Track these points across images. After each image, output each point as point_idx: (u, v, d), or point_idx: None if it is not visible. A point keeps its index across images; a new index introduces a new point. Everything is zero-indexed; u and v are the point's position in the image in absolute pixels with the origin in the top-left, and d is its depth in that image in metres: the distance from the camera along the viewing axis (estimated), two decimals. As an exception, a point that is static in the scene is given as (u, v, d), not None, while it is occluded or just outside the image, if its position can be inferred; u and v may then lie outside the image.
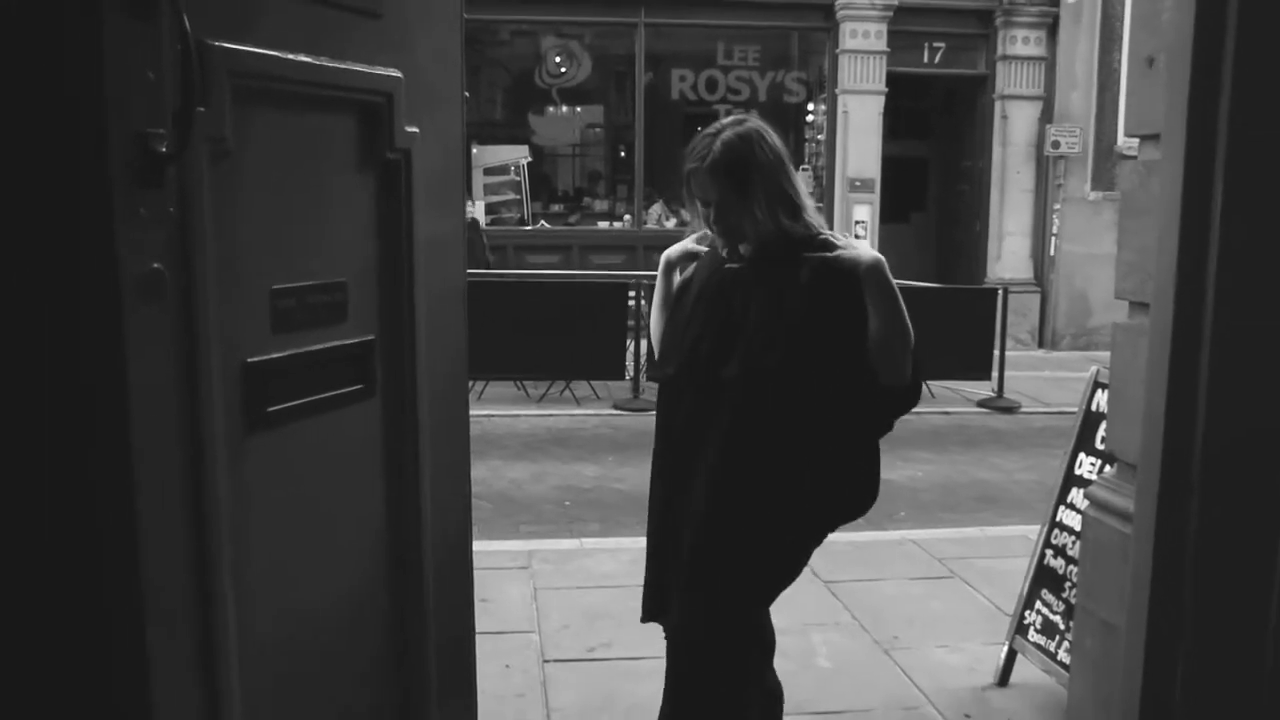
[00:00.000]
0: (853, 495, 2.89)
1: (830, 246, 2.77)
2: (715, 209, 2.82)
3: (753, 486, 2.78)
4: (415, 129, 2.32)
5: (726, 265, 2.90)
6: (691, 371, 2.87)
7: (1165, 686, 2.38)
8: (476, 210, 13.12)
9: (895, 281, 2.76)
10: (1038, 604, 4.20)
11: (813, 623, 4.77)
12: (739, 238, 2.85)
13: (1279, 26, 2.14)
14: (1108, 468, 3.78)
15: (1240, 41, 2.14)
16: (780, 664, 3.10)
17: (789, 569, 2.90)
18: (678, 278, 3.15)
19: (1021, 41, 15.15)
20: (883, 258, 2.76)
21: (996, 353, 10.84)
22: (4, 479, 1.68)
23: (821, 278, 2.75)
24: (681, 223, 14.83)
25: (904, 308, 2.76)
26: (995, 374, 10.86)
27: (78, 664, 1.74)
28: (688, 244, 3.10)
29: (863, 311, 2.73)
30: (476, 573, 2.82)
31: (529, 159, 15.27)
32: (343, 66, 2.11)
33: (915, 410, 2.92)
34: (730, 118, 2.90)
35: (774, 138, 2.84)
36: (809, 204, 2.87)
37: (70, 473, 1.69)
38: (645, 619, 3.08)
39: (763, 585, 2.90)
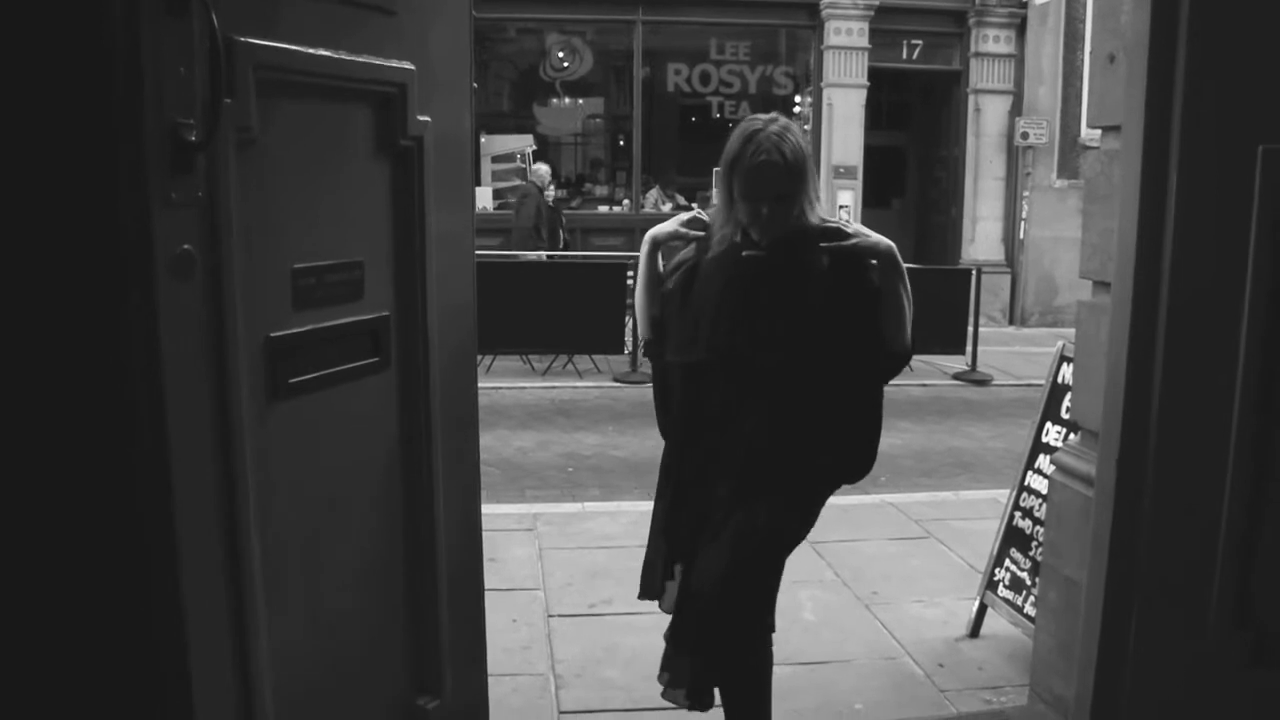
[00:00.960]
0: (863, 459, 2.89)
1: (843, 235, 2.77)
2: (780, 202, 2.69)
3: (787, 462, 2.78)
4: (427, 118, 2.32)
5: (744, 254, 2.78)
6: (724, 358, 2.78)
7: (1121, 636, 2.40)
8: (548, 194, 12.64)
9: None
10: (1007, 562, 4.22)
11: (799, 580, 4.77)
12: (784, 229, 2.74)
13: (1226, 27, 2.15)
14: (1072, 436, 3.79)
15: (1191, 41, 2.15)
16: (770, 618, 3.11)
17: (803, 530, 2.90)
18: (661, 259, 3.00)
19: (992, 40, 15.10)
20: (893, 243, 2.79)
21: (970, 329, 10.82)
22: (55, 444, 1.70)
23: (840, 265, 2.75)
24: (677, 206, 14.80)
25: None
26: (969, 349, 10.85)
27: (118, 608, 1.75)
28: (676, 226, 2.94)
29: (875, 293, 2.76)
30: (485, 534, 2.83)
31: (534, 147, 15.20)
32: (359, 60, 2.11)
33: (896, 383, 2.94)
34: (765, 115, 2.79)
35: None
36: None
37: (110, 440, 1.70)
38: (643, 596, 3.00)
39: (784, 547, 2.88)
